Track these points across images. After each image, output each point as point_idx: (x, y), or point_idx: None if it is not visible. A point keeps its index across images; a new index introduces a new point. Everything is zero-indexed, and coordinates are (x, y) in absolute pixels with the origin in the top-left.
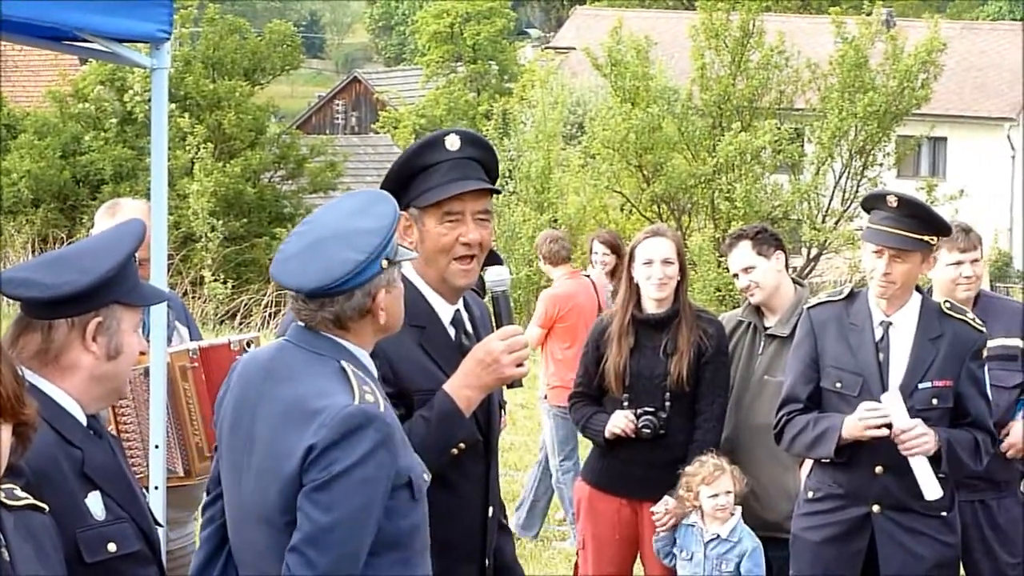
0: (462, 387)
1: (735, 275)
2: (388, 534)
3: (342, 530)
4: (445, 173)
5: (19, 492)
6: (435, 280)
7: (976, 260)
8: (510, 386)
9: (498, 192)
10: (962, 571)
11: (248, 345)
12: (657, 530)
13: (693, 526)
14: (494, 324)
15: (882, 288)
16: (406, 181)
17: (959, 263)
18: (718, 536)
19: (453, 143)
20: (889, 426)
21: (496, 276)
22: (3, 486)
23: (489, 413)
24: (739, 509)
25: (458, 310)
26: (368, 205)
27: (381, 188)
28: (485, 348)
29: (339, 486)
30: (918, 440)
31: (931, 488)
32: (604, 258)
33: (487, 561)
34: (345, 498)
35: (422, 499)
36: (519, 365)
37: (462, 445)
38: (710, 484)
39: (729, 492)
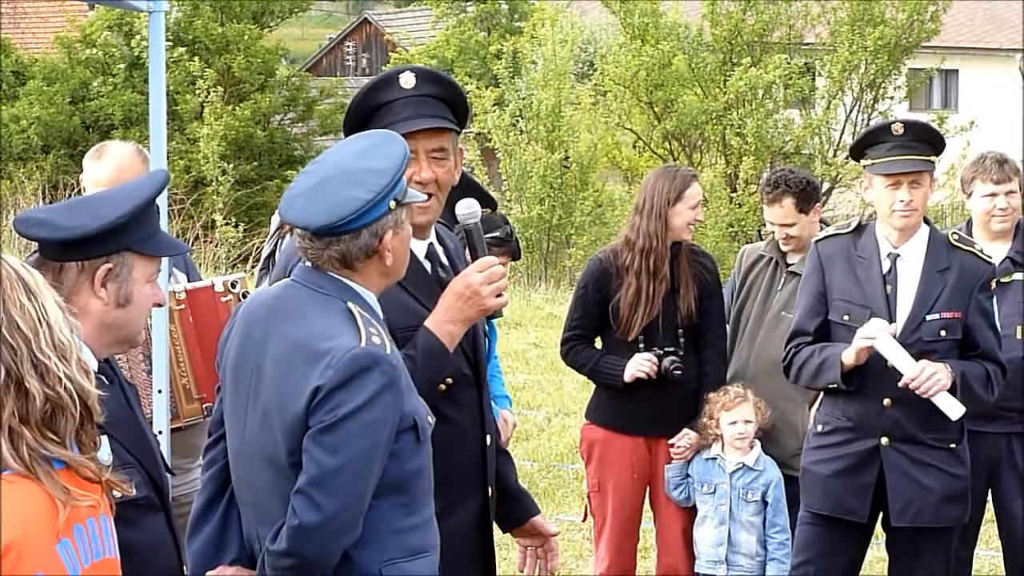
0: (444, 322)
1: (771, 223)
2: (392, 478)
3: (348, 472)
4: (399, 112)
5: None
6: None
7: (1012, 192)
8: (491, 317)
9: (456, 130)
10: (990, 503)
11: (233, 285)
12: (673, 461)
13: (715, 459)
14: (468, 257)
15: (906, 218)
16: (363, 120)
17: (993, 195)
18: (743, 465)
19: (408, 81)
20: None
21: (466, 209)
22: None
23: (475, 343)
24: (759, 443)
25: (431, 244)
26: (377, 146)
27: (343, 128)
28: (464, 281)
29: (346, 428)
30: (931, 381)
31: (953, 410)
32: None
33: (490, 490)
34: (352, 440)
35: (426, 442)
36: (499, 296)
37: (449, 380)
38: (729, 411)
39: (749, 421)
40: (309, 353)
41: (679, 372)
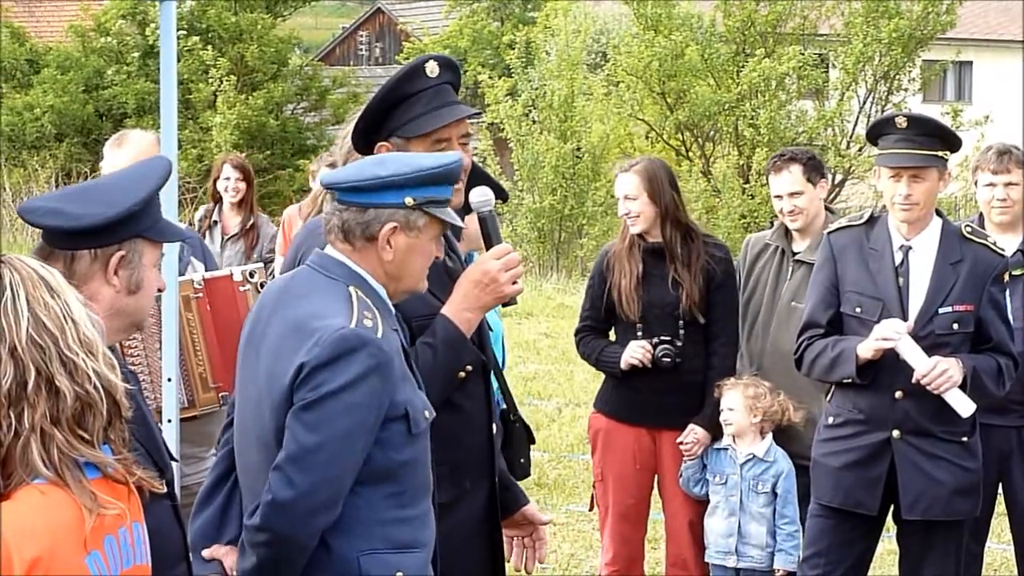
0: (462, 310)
1: (778, 196)
2: (378, 465)
3: (326, 452)
4: (428, 101)
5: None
6: None
7: (1012, 183)
8: (506, 304)
9: (479, 115)
10: (1000, 497)
11: (251, 275)
12: (684, 459)
13: (725, 449)
14: (483, 244)
15: (905, 211)
16: (387, 111)
17: (992, 185)
18: (753, 456)
19: (433, 70)
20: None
21: (481, 196)
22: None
23: (480, 332)
24: (770, 434)
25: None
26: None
27: (360, 119)
28: (481, 268)
29: (326, 407)
30: (943, 378)
31: (964, 407)
32: (237, 184)
33: (496, 479)
34: (332, 420)
35: (421, 436)
36: (514, 283)
37: (469, 368)
38: (720, 395)
39: (732, 409)
40: (301, 332)
41: (667, 360)
